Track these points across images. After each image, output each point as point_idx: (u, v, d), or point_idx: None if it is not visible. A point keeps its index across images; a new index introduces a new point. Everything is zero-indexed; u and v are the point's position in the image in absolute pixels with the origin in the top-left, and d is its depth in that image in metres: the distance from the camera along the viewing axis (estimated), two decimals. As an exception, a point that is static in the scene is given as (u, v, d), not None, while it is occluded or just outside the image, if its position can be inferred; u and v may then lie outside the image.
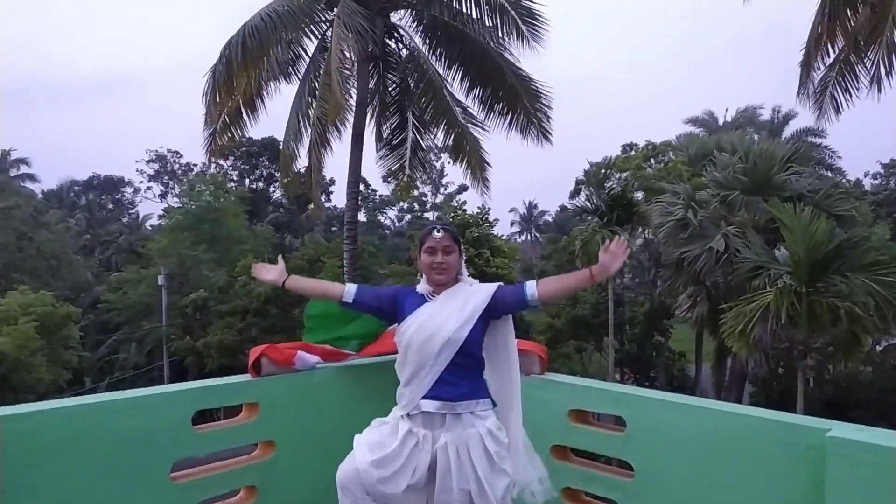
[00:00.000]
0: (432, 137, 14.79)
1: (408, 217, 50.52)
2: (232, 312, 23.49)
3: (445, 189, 45.72)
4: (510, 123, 13.78)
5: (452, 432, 2.49)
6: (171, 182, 40.67)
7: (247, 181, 38.96)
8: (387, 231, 50.41)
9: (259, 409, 3.44)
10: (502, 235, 25.83)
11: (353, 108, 13.25)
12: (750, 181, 16.59)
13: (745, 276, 14.22)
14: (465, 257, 2.73)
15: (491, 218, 22.13)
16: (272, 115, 14.02)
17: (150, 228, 42.59)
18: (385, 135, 14.90)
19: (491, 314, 2.59)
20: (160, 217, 39.32)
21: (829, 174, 26.37)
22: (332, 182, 40.00)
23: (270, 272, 2.83)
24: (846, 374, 19.62)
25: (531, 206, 60.65)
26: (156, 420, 3.02)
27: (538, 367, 3.68)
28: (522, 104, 13.47)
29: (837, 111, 12.42)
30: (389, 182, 16.22)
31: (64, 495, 2.75)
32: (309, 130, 13.13)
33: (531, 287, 2.56)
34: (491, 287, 2.64)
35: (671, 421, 3.11)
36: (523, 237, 61.10)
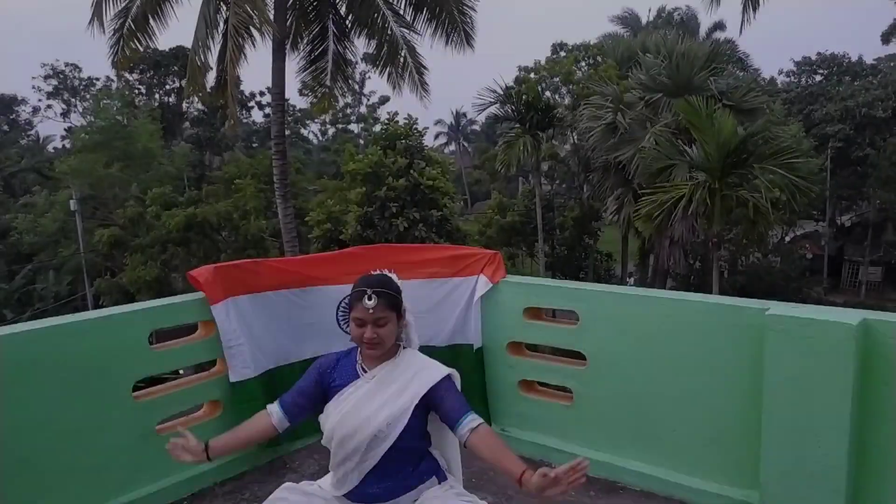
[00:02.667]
0: (354, 46, 14.18)
1: (332, 130, 49.07)
2: (152, 244, 22.39)
3: (368, 99, 44.37)
4: (436, 27, 13.36)
5: None
6: (73, 99, 37.61)
7: (156, 95, 36.52)
8: (310, 146, 48.91)
9: (216, 325, 3.40)
10: (429, 147, 25.50)
11: (273, 13, 12.46)
12: (673, 83, 16.93)
13: (657, 171, 14.69)
14: (409, 319, 2.21)
15: (419, 128, 21.74)
16: (184, 22, 12.98)
17: (53, 151, 39.67)
18: (304, 45, 14.13)
19: (429, 405, 2.12)
20: (64, 138, 36.69)
21: (743, 74, 27.27)
22: (253, 96, 38.12)
23: (186, 453, 2.20)
24: (757, 264, 21.12)
25: (458, 116, 59.88)
26: (113, 341, 2.95)
27: (499, 276, 3.75)
28: (447, 6, 13.05)
29: (754, 8, 12.82)
30: (307, 95, 15.51)
31: (28, 421, 2.69)
32: (218, 38, 12.26)
33: (467, 425, 2.01)
34: (435, 376, 2.12)
35: (622, 311, 3.29)
36: (451, 147, 60.71)
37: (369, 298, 2.05)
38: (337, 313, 3.66)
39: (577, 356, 3.53)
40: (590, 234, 24.31)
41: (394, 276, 2.20)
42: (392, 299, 2.11)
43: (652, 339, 3.17)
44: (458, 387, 2.15)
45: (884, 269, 30.52)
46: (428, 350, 3.79)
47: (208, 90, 13.99)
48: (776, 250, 21.51)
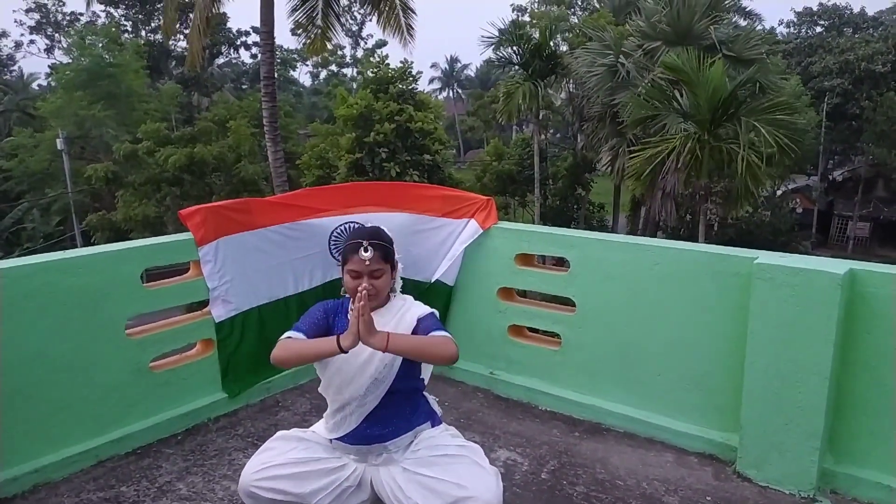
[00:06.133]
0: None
1: (324, 73, 48.06)
2: (145, 183, 22.00)
3: (366, 42, 43.39)
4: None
5: (385, 467, 2.17)
6: (56, 34, 36.50)
7: (142, 32, 35.50)
8: (301, 89, 48.02)
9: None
10: (423, 91, 25.02)
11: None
12: (673, 31, 16.59)
13: (643, 119, 14.49)
14: (399, 266, 2.22)
15: (413, 72, 21.27)
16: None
17: (37, 88, 38.70)
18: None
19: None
20: (48, 75, 35.71)
21: (746, 23, 26.79)
22: (241, 34, 37.17)
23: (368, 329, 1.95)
24: (747, 218, 21.20)
25: (453, 61, 58.78)
26: (106, 278, 2.95)
27: (489, 222, 3.75)
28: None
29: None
30: (299, 35, 15.10)
31: (24, 354, 2.72)
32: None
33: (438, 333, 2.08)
34: (417, 312, 2.17)
35: (612, 258, 3.32)
36: (445, 93, 59.73)
37: (365, 250, 2.03)
38: (329, 243, 3.71)
39: (567, 302, 3.57)
40: (582, 185, 24.24)
41: (384, 228, 2.19)
42: (386, 251, 2.11)
43: (640, 287, 3.21)
44: (437, 318, 2.19)
45: (872, 224, 30.77)
46: (410, 283, 3.85)
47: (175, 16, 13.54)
48: (766, 204, 21.59)
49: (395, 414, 2.15)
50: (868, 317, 2.62)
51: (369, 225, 2.21)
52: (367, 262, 2.04)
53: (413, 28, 13.60)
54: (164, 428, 3.22)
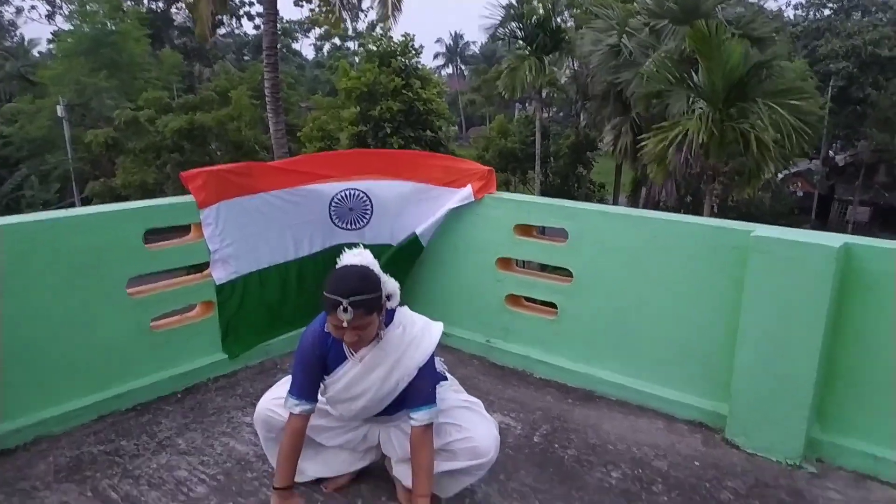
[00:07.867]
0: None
1: (327, 46, 47.68)
2: (145, 149, 21.97)
3: (366, 15, 42.90)
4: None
5: (395, 426, 2.32)
6: (57, 0, 36.09)
7: (145, 0, 35.11)
8: (304, 62, 47.64)
9: (207, 228, 3.42)
10: (426, 66, 24.82)
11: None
12: (680, 9, 16.43)
13: (654, 94, 14.30)
14: (392, 299, 2.10)
15: (415, 46, 21.07)
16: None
17: (38, 55, 38.38)
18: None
19: None
20: (50, 42, 35.41)
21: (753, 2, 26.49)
22: (244, 3, 36.80)
23: None
24: (747, 200, 21.18)
25: (457, 37, 58.21)
26: (109, 238, 2.98)
27: (485, 191, 3.76)
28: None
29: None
30: (302, 6, 14.97)
31: (25, 312, 2.75)
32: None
33: (416, 419, 2.09)
34: (418, 357, 2.11)
35: (611, 230, 3.34)
36: (448, 70, 59.27)
37: (345, 310, 1.89)
38: (329, 209, 3.73)
39: (565, 273, 3.60)
40: (584, 164, 24.17)
41: (370, 264, 2.03)
42: (371, 305, 1.95)
43: (637, 258, 3.23)
44: (435, 364, 2.22)
45: (872, 209, 30.75)
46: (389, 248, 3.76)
47: None
48: (766, 188, 21.55)
49: (398, 405, 2.20)
50: (861, 290, 2.65)
51: (356, 264, 2.02)
52: (348, 320, 1.90)
53: (398, 9, 13.54)
54: (164, 386, 3.27)
